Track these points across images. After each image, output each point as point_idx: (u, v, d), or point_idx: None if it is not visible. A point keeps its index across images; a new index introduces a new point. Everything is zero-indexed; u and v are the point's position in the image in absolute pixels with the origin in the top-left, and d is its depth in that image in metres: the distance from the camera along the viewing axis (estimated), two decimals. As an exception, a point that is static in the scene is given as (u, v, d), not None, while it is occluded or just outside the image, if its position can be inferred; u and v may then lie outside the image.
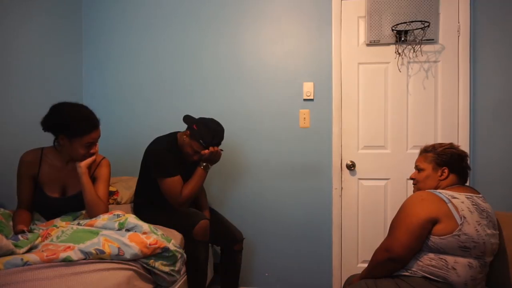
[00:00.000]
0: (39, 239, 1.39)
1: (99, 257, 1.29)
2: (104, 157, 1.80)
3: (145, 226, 1.51)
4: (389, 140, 2.38)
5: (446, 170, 1.46)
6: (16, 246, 1.25)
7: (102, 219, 1.51)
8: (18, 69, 2.07)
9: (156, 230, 1.55)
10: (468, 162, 1.51)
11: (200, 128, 1.90)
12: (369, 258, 1.49)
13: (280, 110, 2.46)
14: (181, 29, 2.55)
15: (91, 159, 1.65)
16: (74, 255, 1.25)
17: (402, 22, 2.25)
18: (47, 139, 1.63)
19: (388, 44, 2.35)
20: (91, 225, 1.49)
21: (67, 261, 1.23)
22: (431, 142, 1.72)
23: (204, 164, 1.94)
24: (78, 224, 1.52)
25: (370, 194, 2.40)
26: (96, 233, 1.40)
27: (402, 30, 2.28)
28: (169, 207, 1.92)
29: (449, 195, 1.34)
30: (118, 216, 1.54)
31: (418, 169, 1.54)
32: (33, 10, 2.18)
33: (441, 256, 1.29)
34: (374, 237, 2.38)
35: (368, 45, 2.37)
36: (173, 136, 2.01)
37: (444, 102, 2.32)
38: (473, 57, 2.28)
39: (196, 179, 1.93)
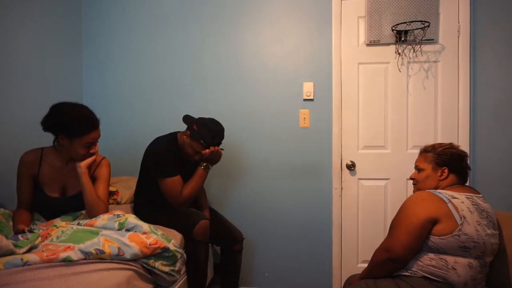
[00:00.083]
0: (39, 239, 1.38)
1: (99, 257, 1.29)
2: (104, 157, 1.80)
3: (145, 226, 1.51)
4: (389, 140, 2.38)
5: (446, 170, 1.46)
6: (16, 246, 1.25)
7: (102, 219, 1.51)
8: (18, 69, 2.07)
9: (156, 230, 1.55)
10: (468, 162, 1.51)
11: (200, 128, 1.90)
12: (369, 258, 1.49)
13: (280, 110, 2.46)
14: (181, 29, 2.55)
15: (91, 159, 1.65)
16: (74, 255, 1.25)
17: (402, 22, 2.25)
18: (47, 139, 1.63)
19: (388, 44, 2.35)
20: (91, 225, 1.49)
21: (67, 261, 1.23)
22: (431, 142, 1.72)
23: (205, 164, 1.94)
24: (78, 224, 1.52)
25: (370, 194, 2.40)
26: (96, 233, 1.40)
27: (402, 30, 2.28)
28: (169, 207, 1.92)
29: (449, 195, 1.34)
30: (118, 216, 1.54)
31: (418, 169, 1.54)
32: (33, 10, 2.18)
33: (441, 256, 1.29)
34: (374, 237, 2.38)
35: (368, 45, 2.37)
36: (173, 136, 2.01)
37: (444, 102, 2.32)
38: (473, 57, 2.28)
39: (197, 179, 1.93)
